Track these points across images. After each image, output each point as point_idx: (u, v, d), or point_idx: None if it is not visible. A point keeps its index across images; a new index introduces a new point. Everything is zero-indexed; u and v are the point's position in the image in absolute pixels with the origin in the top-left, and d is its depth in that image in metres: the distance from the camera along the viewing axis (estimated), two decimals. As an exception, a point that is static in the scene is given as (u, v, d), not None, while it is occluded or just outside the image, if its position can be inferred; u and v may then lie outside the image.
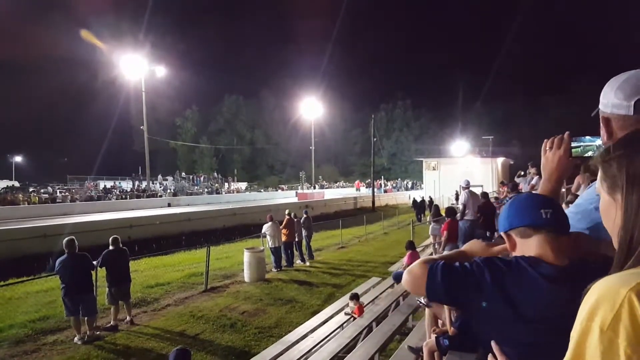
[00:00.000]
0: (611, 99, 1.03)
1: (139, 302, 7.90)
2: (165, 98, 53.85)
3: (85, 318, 6.17)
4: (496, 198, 11.79)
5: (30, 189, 31.47)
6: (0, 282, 9.01)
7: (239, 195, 37.39)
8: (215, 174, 47.66)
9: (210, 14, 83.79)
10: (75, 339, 6.11)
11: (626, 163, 0.67)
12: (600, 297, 0.56)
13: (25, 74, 54.63)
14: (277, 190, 45.11)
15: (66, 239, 6.35)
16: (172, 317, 7.26)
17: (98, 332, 6.33)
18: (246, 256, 9.83)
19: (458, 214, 8.18)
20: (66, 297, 6.08)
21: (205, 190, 37.07)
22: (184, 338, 6.32)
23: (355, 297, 6.52)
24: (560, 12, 72.64)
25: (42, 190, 30.46)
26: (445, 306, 3.88)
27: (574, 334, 0.58)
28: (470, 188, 8.57)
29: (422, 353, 3.88)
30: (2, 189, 31.68)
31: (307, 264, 11.97)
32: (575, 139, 1.06)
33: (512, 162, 36.82)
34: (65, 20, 50.86)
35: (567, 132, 1.18)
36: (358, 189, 46.97)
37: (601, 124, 1.09)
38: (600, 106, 1.09)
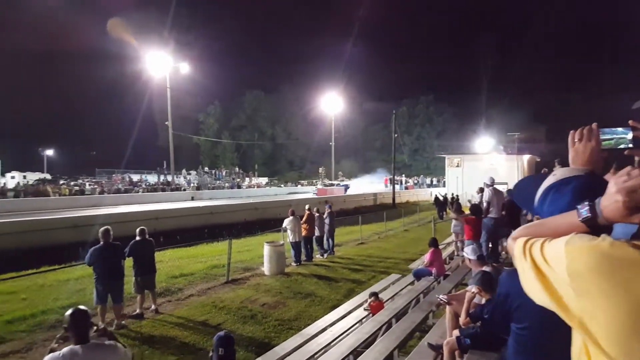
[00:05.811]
0: None
1: (163, 292, 8.12)
2: (188, 94, 54.85)
3: (113, 305, 6.38)
4: None
5: (61, 182, 32.77)
6: (33, 270, 9.46)
7: (259, 190, 37.81)
8: (237, 168, 48.29)
9: (231, 9, 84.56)
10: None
11: None
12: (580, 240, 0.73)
13: (58, 69, 56.71)
14: (296, 186, 45.32)
15: (102, 228, 6.55)
16: (195, 306, 7.44)
17: (123, 322, 6.51)
18: (266, 250, 9.95)
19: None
20: (99, 284, 6.27)
21: (227, 184, 37.63)
22: (207, 327, 6.46)
23: (374, 295, 6.52)
24: (591, 7, 69.74)
25: (72, 183, 31.65)
26: (466, 299, 3.81)
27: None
28: (495, 185, 8.38)
29: (442, 351, 3.85)
30: (35, 181, 33.09)
31: (325, 257, 12.00)
32: (604, 130, 1.01)
33: (538, 159, 35.72)
34: (94, 16, 52.44)
35: (594, 123, 1.14)
36: (387, 185, 46.42)
37: None
38: None
